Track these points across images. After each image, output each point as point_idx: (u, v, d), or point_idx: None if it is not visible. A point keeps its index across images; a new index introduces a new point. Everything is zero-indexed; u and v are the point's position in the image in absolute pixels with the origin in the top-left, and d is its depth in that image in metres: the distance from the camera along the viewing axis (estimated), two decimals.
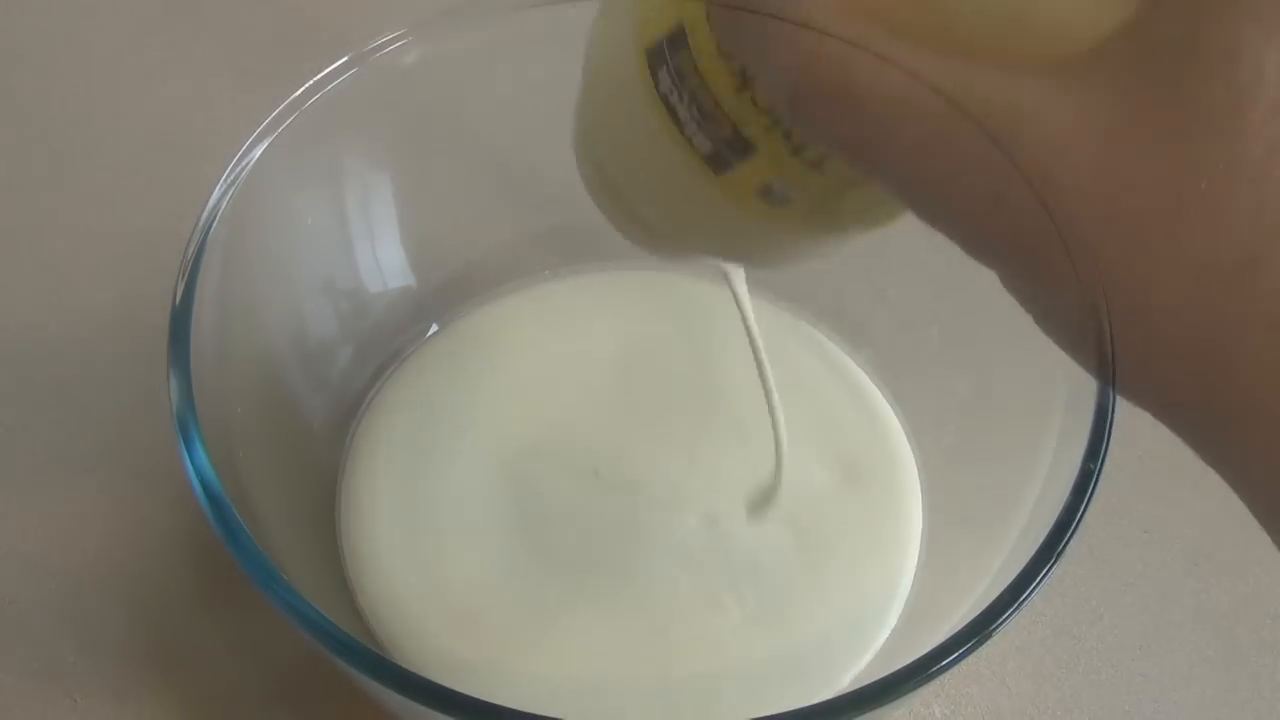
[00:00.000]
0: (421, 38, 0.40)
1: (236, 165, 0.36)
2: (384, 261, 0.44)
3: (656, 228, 0.34)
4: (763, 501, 0.41)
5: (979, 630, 0.29)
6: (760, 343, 0.39)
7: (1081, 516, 0.31)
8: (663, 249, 0.36)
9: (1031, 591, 0.30)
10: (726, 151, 0.29)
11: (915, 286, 0.44)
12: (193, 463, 0.30)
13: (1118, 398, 0.33)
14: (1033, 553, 0.30)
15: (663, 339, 0.46)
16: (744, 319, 0.38)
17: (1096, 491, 0.31)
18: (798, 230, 0.32)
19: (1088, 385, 0.33)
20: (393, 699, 0.29)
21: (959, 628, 0.29)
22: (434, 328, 0.46)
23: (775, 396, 0.43)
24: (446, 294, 0.46)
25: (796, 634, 0.38)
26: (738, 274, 0.38)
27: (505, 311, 0.47)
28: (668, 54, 0.28)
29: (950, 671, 0.29)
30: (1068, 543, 0.31)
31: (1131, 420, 0.46)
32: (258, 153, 0.36)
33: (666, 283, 0.48)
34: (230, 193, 0.35)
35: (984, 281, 0.42)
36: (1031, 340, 0.39)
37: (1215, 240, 0.17)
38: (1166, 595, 0.43)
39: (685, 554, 0.39)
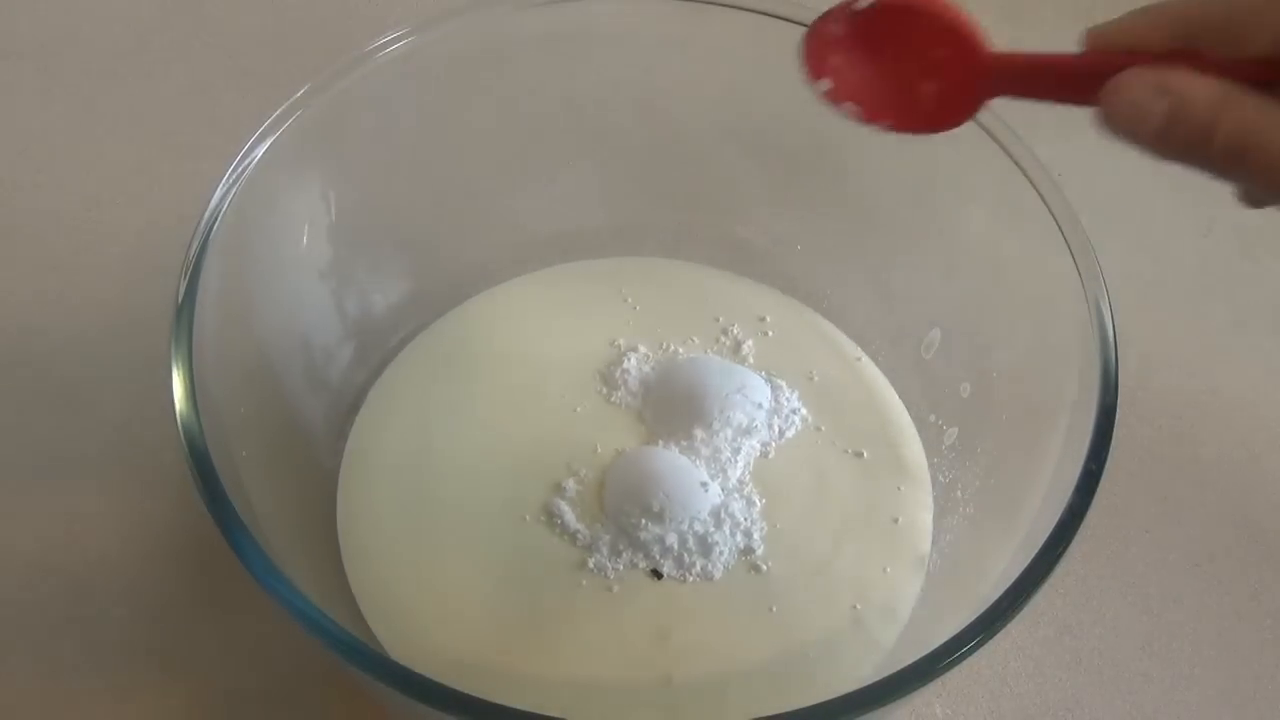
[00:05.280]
0: (422, 38, 0.40)
1: (239, 165, 0.36)
2: (386, 261, 0.44)
3: None
4: (767, 497, 0.41)
5: (981, 630, 0.29)
6: None
7: (1083, 517, 0.31)
8: None
9: (1034, 592, 0.30)
10: None
11: (918, 289, 0.44)
12: (195, 462, 0.30)
13: (1119, 398, 0.33)
14: (1035, 553, 0.30)
15: (663, 326, 0.46)
16: None
17: (1098, 492, 0.31)
18: None
19: (1091, 386, 0.33)
20: (393, 697, 0.29)
21: (961, 628, 0.29)
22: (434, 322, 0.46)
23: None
24: (448, 292, 0.46)
25: (802, 634, 0.38)
26: None
27: (503, 301, 0.47)
28: None
29: (952, 671, 0.29)
30: (1070, 543, 0.31)
31: (1134, 421, 0.47)
32: (260, 152, 0.36)
33: (664, 269, 0.48)
34: (232, 192, 0.35)
35: (986, 284, 0.42)
36: (1034, 342, 0.39)
37: None
38: (1167, 595, 0.43)
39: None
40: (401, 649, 0.37)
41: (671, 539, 0.39)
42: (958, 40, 0.28)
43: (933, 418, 0.43)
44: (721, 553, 0.39)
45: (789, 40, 0.41)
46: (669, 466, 0.40)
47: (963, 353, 0.42)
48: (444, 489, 0.41)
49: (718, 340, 0.45)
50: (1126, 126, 0.25)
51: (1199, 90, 0.25)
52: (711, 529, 0.39)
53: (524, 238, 0.47)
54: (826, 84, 0.31)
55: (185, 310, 0.33)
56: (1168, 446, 0.47)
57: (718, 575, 0.39)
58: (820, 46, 0.30)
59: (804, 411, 0.43)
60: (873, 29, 0.29)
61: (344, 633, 0.29)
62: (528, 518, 0.40)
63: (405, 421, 0.43)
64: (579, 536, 0.39)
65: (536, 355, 0.45)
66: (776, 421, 0.42)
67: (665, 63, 0.44)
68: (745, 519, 0.40)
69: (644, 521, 0.39)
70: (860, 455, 0.42)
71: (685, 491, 0.39)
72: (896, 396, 0.44)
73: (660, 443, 0.42)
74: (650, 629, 0.38)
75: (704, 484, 0.40)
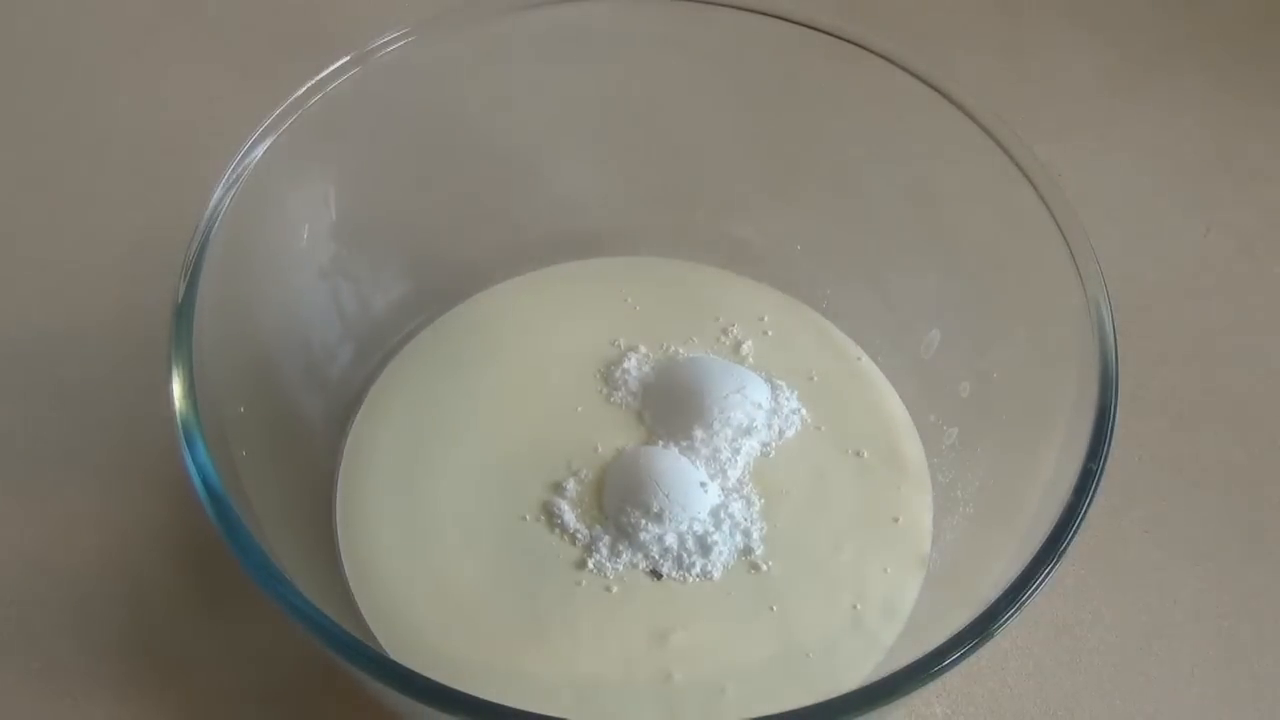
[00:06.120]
0: (422, 38, 0.41)
1: (238, 165, 0.36)
2: (385, 260, 0.44)
3: None
4: (766, 497, 0.41)
5: (981, 630, 0.29)
6: None
7: (1083, 516, 0.31)
8: None
9: (1033, 592, 0.30)
10: None
11: (917, 289, 0.44)
12: (194, 462, 0.30)
13: (1119, 398, 0.33)
14: (1034, 553, 0.30)
15: (663, 326, 0.46)
16: None
17: (1097, 491, 0.31)
18: None
19: (1090, 386, 0.33)
20: (393, 697, 0.29)
21: (961, 627, 0.29)
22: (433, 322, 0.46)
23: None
24: (447, 292, 0.46)
25: (802, 633, 0.38)
26: None
27: (503, 300, 0.47)
28: None
29: (952, 671, 0.29)
30: (1069, 542, 0.31)
31: (1133, 420, 0.47)
32: (259, 152, 0.36)
33: (664, 269, 0.48)
34: (232, 192, 0.35)
35: (986, 284, 0.42)
36: (1034, 342, 0.39)
37: None
38: (1167, 595, 0.43)
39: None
40: (401, 649, 0.37)
41: (671, 539, 0.39)
42: None
43: (933, 418, 0.43)
44: (721, 553, 0.39)
45: (789, 40, 0.42)
46: (669, 466, 0.40)
47: (963, 353, 0.42)
48: (443, 488, 0.41)
49: (717, 340, 0.45)
50: None
51: None
52: (711, 529, 0.39)
53: (524, 238, 0.47)
54: None
55: (185, 310, 0.33)
56: (1168, 446, 0.47)
57: (718, 575, 0.39)
58: None
59: (804, 411, 0.43)
60: None
61: (344, 633, 0.29)
62: (527, 517, 0.40)
63: (405, 421, 0.43)
64: (578, 536, 0.39)
65: (536, 355, 0.45)
66: (776, 421, 0.43)
67: (665, 63, 0.44)
68: (745, 519, 0.40)
69: (643, 521, 0.39)
70: (860, 455, 0.42)
71: (685, 491, 0.39)
72: (896, 396, 0.44)
73: (660, 443, 0.42)
74: (650, 629, 0.38)
75: (703, 484, 0.40)
